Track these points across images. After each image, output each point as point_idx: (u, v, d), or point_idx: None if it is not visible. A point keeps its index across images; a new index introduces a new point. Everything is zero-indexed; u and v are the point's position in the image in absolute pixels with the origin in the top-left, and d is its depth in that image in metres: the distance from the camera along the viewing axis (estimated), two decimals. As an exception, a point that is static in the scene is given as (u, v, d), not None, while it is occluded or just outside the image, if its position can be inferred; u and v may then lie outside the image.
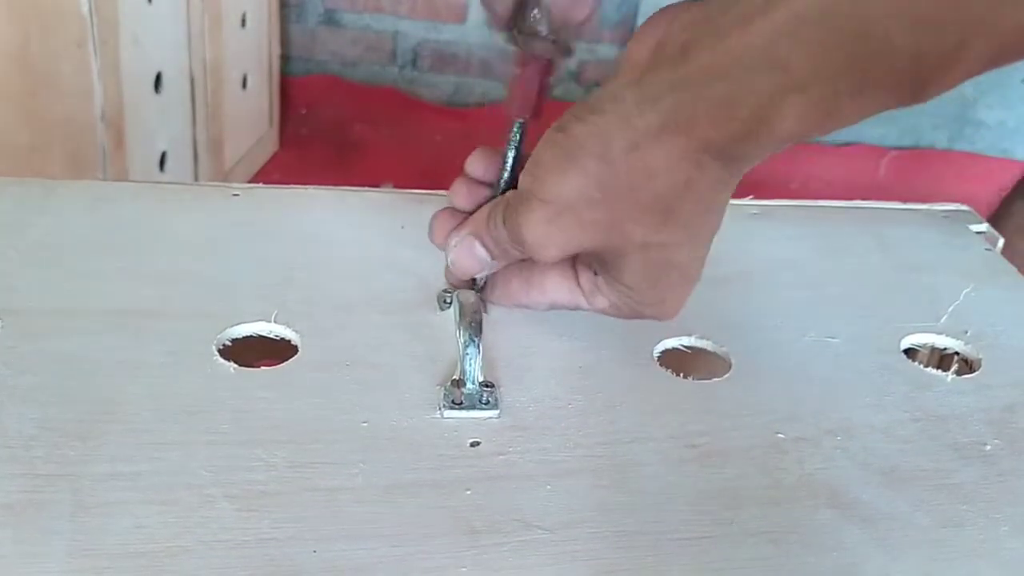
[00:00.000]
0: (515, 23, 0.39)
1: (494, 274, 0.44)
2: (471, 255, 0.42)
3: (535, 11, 0.38)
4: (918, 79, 0.30)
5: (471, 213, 0.43)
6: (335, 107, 2.01)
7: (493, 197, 0.42)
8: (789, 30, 0.30)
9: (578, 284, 0.43)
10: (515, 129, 0.41)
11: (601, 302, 0.43)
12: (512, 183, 0.42)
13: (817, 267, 0.53)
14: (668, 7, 0.36)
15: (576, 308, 0.44)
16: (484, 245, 0.41)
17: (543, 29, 0.39)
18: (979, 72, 0.29)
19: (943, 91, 0.30)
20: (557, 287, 0.43)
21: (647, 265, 0.39)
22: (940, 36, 0.28)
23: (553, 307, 0.44)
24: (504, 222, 0.40)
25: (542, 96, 0.41)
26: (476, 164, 0.43)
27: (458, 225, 0.42)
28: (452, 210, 0.44)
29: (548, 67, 0.40)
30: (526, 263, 0.43)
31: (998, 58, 0.29)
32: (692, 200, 0.36)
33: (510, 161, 0.42)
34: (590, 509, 0.35)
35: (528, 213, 0.38)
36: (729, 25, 0.32)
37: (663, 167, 0.35)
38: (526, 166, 0.38)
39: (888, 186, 2.00)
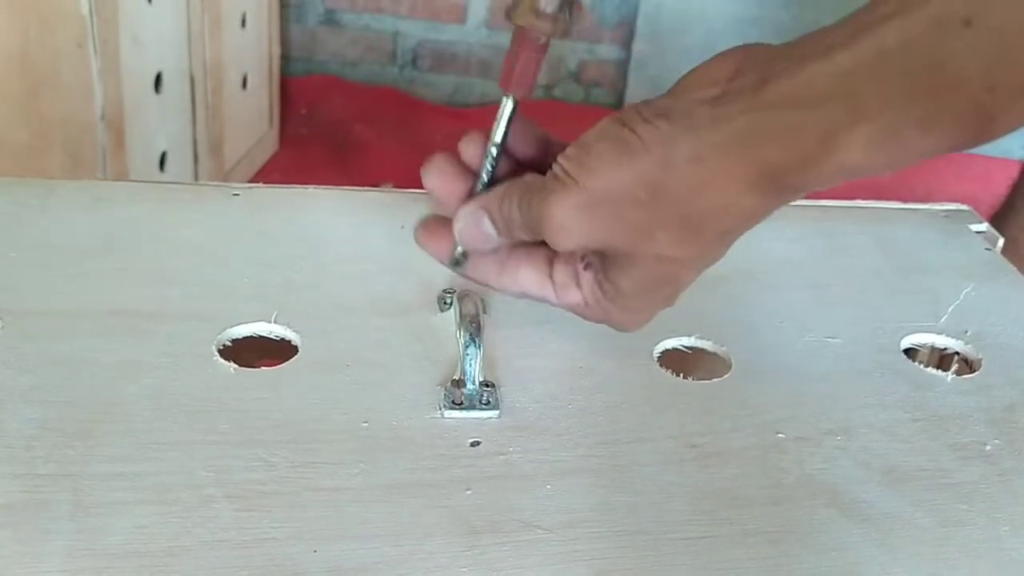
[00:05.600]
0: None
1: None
2: (478, 229, 0.41)
3: None
4: (988, 113, 0.30)
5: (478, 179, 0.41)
6: (335, 107, 2.01)
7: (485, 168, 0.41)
8: (870, 62, 0.31)
9: (550, 276, 0.42)
10: (510, 105, 0.40)
11: (573, 297, 0.41)
12: (498, 159, 0.41)
13: (817, 267, 0.53)
14: (743, 46, 0.36)
15: (543, 300, 0.42)
16: (493, 221, 0.41)
17: (548, 6, 0.38)
18: None
19: (1009, 129, 0.31)
20: (529, 277, 0.42)
21: (651, 275, 0.39)
22: (1013, 70, 0.29)
23: (523, 296, 0.43)
24: (520, 204, 0.39)
25: (534, 76, 0.40)
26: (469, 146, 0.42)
27: (469, 197, 0.41)
28: (458, 166, 0.42)
29: (545, 46, 0.40)
30: (503, 248, 0.43)
31: None
32: (723, 224, 0.37)
33: (500, 134, 0.41)
34: (590, 509, 0.35)
35: (562, 194, 0.37)
36: (810, 56, 0.32)
37: (717, 184, 0.35)
38: (569, 151, 0.37)
39: (888, 186, 2.00)
